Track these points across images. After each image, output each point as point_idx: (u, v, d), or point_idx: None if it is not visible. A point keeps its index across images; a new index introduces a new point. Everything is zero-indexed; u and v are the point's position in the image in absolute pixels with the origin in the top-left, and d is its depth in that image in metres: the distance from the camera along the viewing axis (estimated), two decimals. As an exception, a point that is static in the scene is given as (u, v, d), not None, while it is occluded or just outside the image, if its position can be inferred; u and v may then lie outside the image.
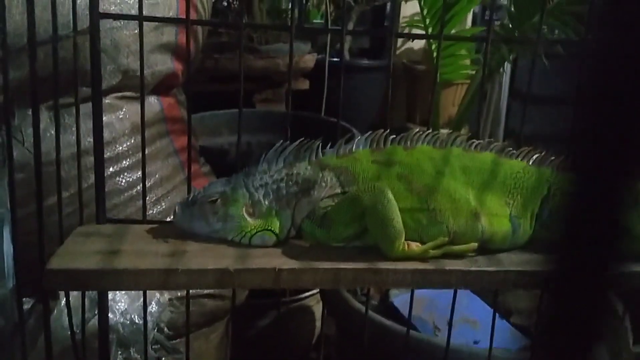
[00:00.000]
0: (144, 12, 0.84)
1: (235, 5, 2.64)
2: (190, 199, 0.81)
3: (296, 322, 1.77)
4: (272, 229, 0.79)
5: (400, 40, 3.48)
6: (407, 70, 3.47)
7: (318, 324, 1.80)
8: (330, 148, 0.84)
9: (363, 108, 3.00)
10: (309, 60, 2.53)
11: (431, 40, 1.87)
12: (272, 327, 1.64)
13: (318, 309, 1.78)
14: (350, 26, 3.05)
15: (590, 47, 0.22)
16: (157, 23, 1.21)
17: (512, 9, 1.72)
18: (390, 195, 0.75)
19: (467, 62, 2.16)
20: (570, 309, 0.25)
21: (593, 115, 0.22)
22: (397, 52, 3.46)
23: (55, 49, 0.78)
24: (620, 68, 0.21)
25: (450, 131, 1.07)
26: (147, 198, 1.02)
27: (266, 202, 0.80)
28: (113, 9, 1.12)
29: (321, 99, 2.58)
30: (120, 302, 1.08)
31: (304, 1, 3.32)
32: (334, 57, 2.68)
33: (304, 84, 2.56)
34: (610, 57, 0.22)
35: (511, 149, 0.85)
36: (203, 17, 1.43)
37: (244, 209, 0.79)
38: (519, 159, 0.85)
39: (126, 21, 1.16)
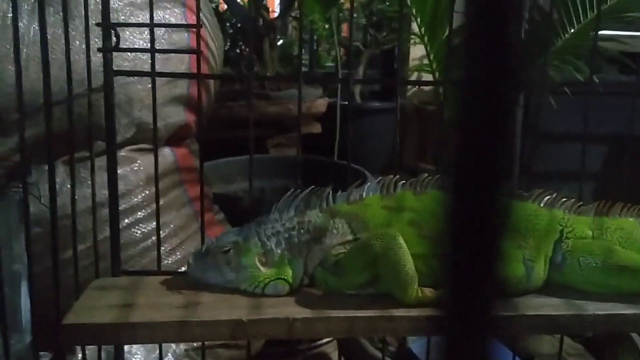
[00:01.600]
0: (156, 67, 0.87)
1: (247, 53, 2.69)
2: (203, 249, 0.82)
3: (314, 370, 1.74)
4: (285, 277, 0.79)
5: (410, 82, 3.52)
6: (418, 111, 3.49)
7: (336, 371, 1.77)
8: (341, 193, 0.84)
9: (376, 149, 3.01)
10: (321, 104, 2.56)
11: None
12: (289, 376, 1.61)
13: (335, 357, 1.75)
14: (361, 70, 3.08)
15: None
16: (170, 76, 1.23)
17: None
18: (402, 241, 0.74)
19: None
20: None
21: (462, 137, 0.23)
22: (408, 93, 3.49)
23: (70, 110, 0.80)
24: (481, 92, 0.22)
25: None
26: (162, 248, 1.02)
27: (279, 251, 0.80)
28: (127, 65, 1.15)
29: (334, 142, 2.60)
30: (137, 355, 1.07)
31: (315, 47, 3.37)
32: (345, 101, 2.70)
33: (316, 128, 2.58)
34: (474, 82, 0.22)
35: (522, 191, 0.85)
36: (215, 68, 1.46)
37: (256, 258, 0.79)
38: (531, 201, 0.84)
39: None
